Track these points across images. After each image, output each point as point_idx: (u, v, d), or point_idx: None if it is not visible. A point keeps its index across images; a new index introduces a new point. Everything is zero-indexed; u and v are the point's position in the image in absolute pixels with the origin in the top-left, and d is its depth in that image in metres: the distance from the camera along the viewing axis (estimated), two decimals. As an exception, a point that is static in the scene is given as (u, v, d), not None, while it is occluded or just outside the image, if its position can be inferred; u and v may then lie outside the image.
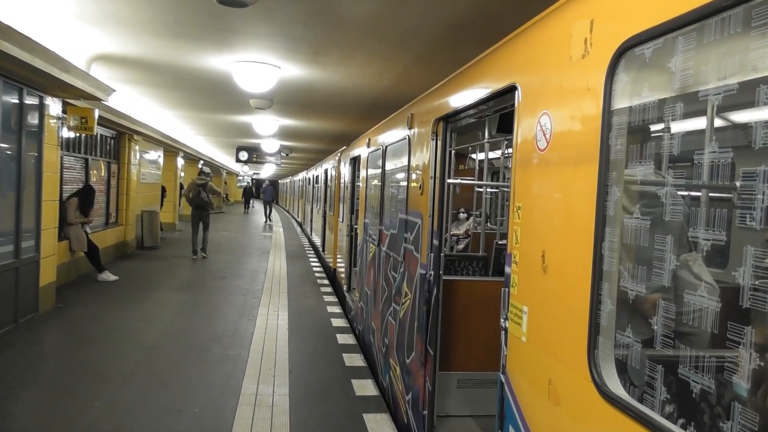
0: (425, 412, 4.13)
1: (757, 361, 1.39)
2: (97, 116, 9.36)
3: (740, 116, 1.93)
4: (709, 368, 1.54)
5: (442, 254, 4.04)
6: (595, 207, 1.89)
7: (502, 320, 2.69)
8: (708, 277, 1.91)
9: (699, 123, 1.80)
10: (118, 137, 13.78)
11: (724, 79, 1.45)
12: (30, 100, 7.60)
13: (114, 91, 8.73)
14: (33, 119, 7.75)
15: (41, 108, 7.87)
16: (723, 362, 1.50)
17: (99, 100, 8.51)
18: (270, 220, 28.61)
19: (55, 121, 8.27)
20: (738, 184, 1.84)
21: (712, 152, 1.54)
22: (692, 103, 1.60)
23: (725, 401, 1.74)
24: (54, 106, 8.22)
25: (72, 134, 10.56)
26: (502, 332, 2.69)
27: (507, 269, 2.67)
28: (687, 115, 1.64)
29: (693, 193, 2.24)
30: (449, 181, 4.57)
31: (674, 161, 1.71)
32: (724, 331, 1.45)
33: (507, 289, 2.65)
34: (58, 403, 5.01)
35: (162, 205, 19.19)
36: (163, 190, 19.67)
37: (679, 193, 1.78)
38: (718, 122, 1.90)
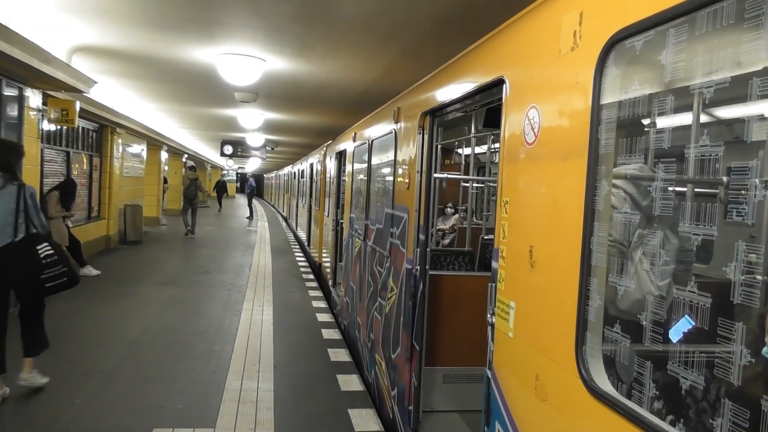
0: (411, 407, 4.12)
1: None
2: (78, 109, 9.21)
3: (732, 111, 1.92)
4: (697, 363, 1.54)
5: (428, 249, 4.03)
6: (584, 201, 1.87)
7: (488, 315, 2.67)
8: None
9: (689, 117, 1.78)
10: (101, 130, 13.58)
11: (715, 73, 1.43)
12: (9, 92, 7.44)
13: (96, 83, 8.59)
14: (12, 111, 7.58)
15: (21, 100, 7.70)
16: (712, 358, 1.49)
17: (80, 92, 8.37)
18: (254, 215, 28.40)
19: (35, 113, 8.11)
20: (725, 179, 1.84)
21: (703, 146, 1.52)
22: (683, 97, 1.59)
23: (712, 397, 1.74)
24: (34, 97, 8.06)
25: (53, 127, 10.36)
26: (489, 328, 2.67)
27: (494, 264, 2.65)
28: (678, 109, 1.62)
29: (679, 189, 2.23)
30: (436, 175, 4.54)
31: (664, 156, 1.70)
32: (713, 327, 1.44)
33: (494, 285, 2.63)
34: (39, 400, 4.92)
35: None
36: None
37: (669, 188, 1.76)
38: (709, 117, 1.89)
